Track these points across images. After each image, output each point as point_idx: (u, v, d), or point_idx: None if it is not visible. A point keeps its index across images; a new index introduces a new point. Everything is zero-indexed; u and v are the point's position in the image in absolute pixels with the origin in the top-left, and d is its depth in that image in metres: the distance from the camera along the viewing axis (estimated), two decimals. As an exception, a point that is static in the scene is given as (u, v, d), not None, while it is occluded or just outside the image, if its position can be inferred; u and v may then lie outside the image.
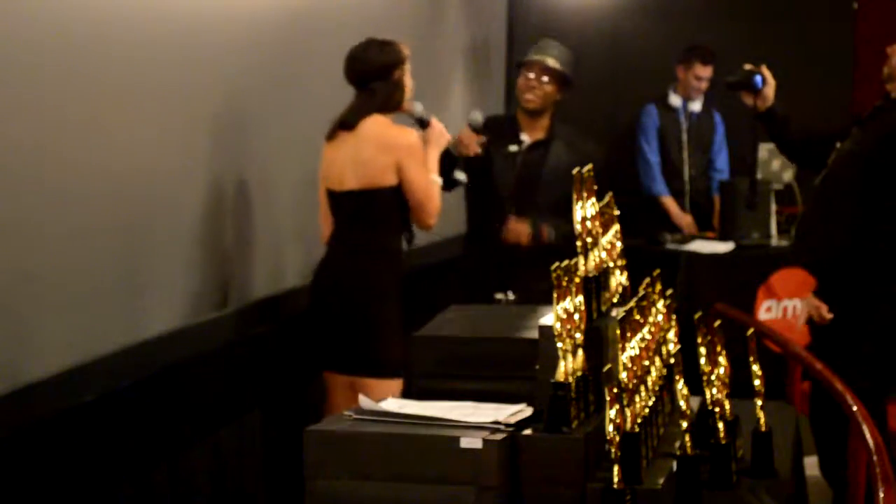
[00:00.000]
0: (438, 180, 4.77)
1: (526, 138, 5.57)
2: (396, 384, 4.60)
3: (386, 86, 4.73)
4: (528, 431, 2.79)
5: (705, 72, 7.68)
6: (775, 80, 5.36)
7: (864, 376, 4.83)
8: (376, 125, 4.71)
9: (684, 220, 7.70)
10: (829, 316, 4.96)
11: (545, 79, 5.64)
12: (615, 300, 3.28)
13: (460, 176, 5.21)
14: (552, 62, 5.64)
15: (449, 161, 5.18)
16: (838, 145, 5.05)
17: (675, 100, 7.79)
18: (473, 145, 5.26)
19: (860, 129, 5.02)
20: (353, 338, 4.68)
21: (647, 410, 2.91)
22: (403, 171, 4.68)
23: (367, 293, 4.70)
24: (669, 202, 7.73)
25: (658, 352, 3.17)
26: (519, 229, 5.46)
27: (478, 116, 5.33)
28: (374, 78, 4.72)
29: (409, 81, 4.79)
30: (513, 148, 5.50)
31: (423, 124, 4.85)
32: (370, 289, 4.70)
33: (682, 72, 7.75)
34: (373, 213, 4.72)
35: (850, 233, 4.90)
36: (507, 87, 8.26)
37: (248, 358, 4.66)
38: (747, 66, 5.33)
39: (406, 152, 4.69)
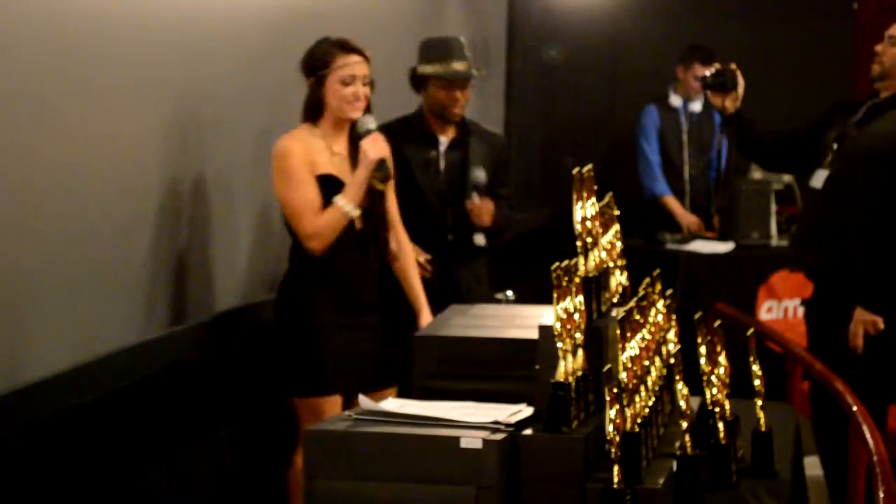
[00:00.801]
0: (346, 207, 4.29)
1: (442, 139, 5.23)
2: (332, 402, 4.31)
3: (308, 92, 4.37)
4: (528, 431, 2.79)
5: (705, 71, 7.68)
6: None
7: (868, 377, 4.84)
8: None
9: (688, 218, 7.69)
10: (882, 327, 4.92)
11: (468, 89, 5.23)
12: (615, 300, 3.28)
13: (480, 241, 5.16)
14: (473, 71, 5.20)
15: (466, 227, 5.14)
16: (835, 146, 5.04)
17: (675, 100, 7.80)
18: (487, 216, 5.16)
19: (860, 129, 5.01)
20: (279, 356, 4.42)
21: (647, 410, 2.91)
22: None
23: (282, 308, 4.42)
24: (672, 202, 7.73)
25: (658, 352, 3.17)
26: (485, 207, 5.19)
27: (479, 175, 5.20)
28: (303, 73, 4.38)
29: (339, 91, 4.28)
30: (433, 154, 5.19)
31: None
32: (284, 304, 4.41)
33: (682, 72, 7.75)
34: (287, 225, 4.38)
35: (873, 237, 4.90)
36: (507, 88, 8.26)
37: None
38: (732, 66, 5.34)
39: (274, 163, 4.31)
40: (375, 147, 4.31)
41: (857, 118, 5.05)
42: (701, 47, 7.72)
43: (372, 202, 4.37)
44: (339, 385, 4.31)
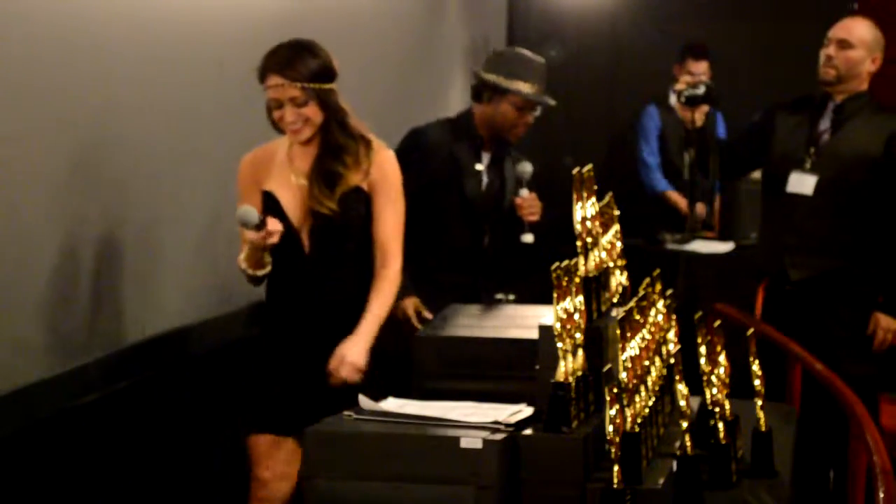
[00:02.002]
0: (242, 265, 3.86)
1: (485, 155, 4.96)
2: (261, 440, 3.89)
3: None
4: (528, 431, 2.79)
5: (697, 67, 7.68)
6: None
7: (864, 363, 4.90)
8: None
9: (696, 210, 7.70)
10: None
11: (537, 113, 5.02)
12: (615, 300, 3.28)
13: (528, 238, 4.87)
14: (550, 101, 4.97)
15: (513, 221, 4.88)
16: (812, 150, 5.06)
17: (674, 100, 7.79)
18: (537, 210, 4.88)
19: (833, 132, 5.03)
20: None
21: (647, 410, 2.91)
22: None
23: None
24: (674, 195, 7.73)
25: (658, 352, 3.17)
26: (535, 202, 4.93)
27: (526, 168, 4.92)
28: None
29: (272, 114, 3.85)
30: (479, 167, 4.90)
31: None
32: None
33: (678, 70, 7.76)
34: None
35: (882, 241, 4.95)
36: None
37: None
38: (706, 81, 5.35)
39: None
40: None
41: (824, 121, 5.08)
42: (692, 44, 7.73)
43: (326, 228, 3.85)
44: (263, 423, 3.88)
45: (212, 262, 4.45)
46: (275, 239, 3.71)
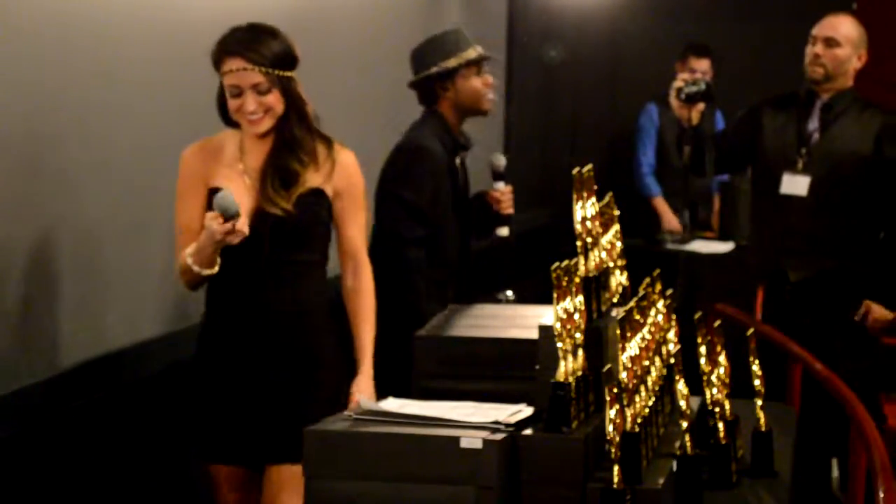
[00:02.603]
0: (191, 263, 3.49)
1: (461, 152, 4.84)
2: (218, 469, 3.64)
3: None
4: (528, 431, 2.79)
5: (699, 64, 7.69)
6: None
7: (864, 360, 4.91)
8: None
9: (671, 223, 7.71)
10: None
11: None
12: (615, 300, 3.28)
13: (504, 232, 4.75)
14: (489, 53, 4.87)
15: (487, 217, 4.76)
16: (803, 150, 5.06)
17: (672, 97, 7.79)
18: (511, 203, 4.75)
19: (822, 132, 5.04)
20: None
21: (647, 410, 2.91)
22: None
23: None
24: (661, 203, 7.75)
25: (658, 352, 3.17)
26: (511, 196, 4.79)
27: (501, 161, 4.80)
28: None
29: (229, 103, 3.54)
30: (458, 161, 4.76)
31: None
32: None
33: (681, 68, 7.76)
34: None
35: (879, 238, 4.97)
36: (507, 88, 8.26)
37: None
38: (705, 78, 5.35)
39: None
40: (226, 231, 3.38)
41: (813, 121, 5.08)
42: (695, 43, 7.75)
43: (280, 232, 3.53)
44: (217, 453, 3.60)
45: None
46: (236, 239, 3.37)
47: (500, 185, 4.79)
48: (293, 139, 3.55)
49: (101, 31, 3.73)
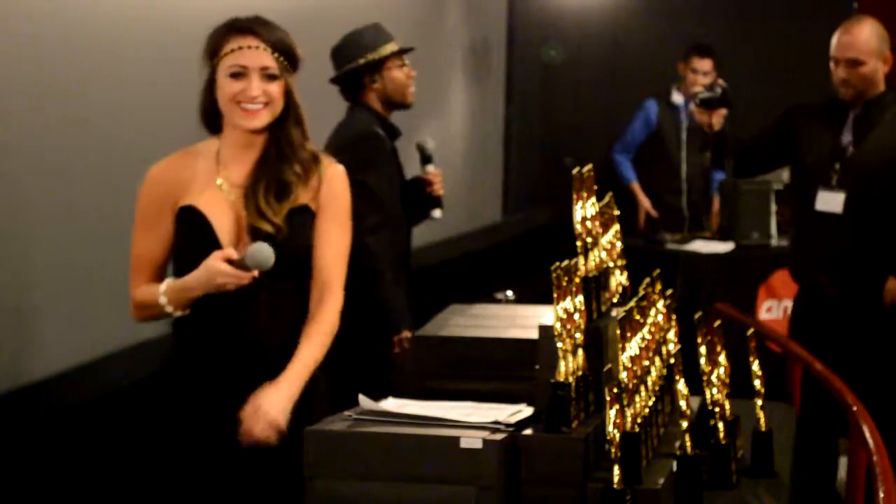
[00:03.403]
0: (164, 303, 3.11)
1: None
2: None
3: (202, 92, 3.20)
4: (528, 431, 2.79)
5: (702, 64, 7.69)
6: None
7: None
8: None
9: (647, 206, 7.75)
10: None
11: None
12: (615, 300, 3.28)
13: (437, 214, 4.82)
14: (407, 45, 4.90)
15: (421, 200, 4.78)
16: (837, 166, 5.03)
17: (677, 97, 7.80)
18: (440, 184, 4.80)
19: (857, 145, 4.99)
20: None
21: (647, 410, 2.91)
22: None
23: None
24: (635, 187, 7.79)
25: (658, 352, 3.17)
26: (441, 178, 4.88)
27: (430, 144, 4.85)
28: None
29: (225, 87, 3.12)
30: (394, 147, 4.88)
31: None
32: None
33: (683, 68, 7.77)
34: None
35: None
36: (507, 88, 8.26)
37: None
38: (720, 81, 5.31)
39: None
40: (227, 274, 3.03)
41: (846, 133, 5.04)
42: (699, 42, 7.75)
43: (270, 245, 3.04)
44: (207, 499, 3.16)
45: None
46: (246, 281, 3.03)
47: (431, 168, 4.84)
48: (290, 145, 3.15)
49: (99, 31, 3.74)
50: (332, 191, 3.20)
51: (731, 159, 5.33)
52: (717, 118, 5.21)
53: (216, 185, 3.12)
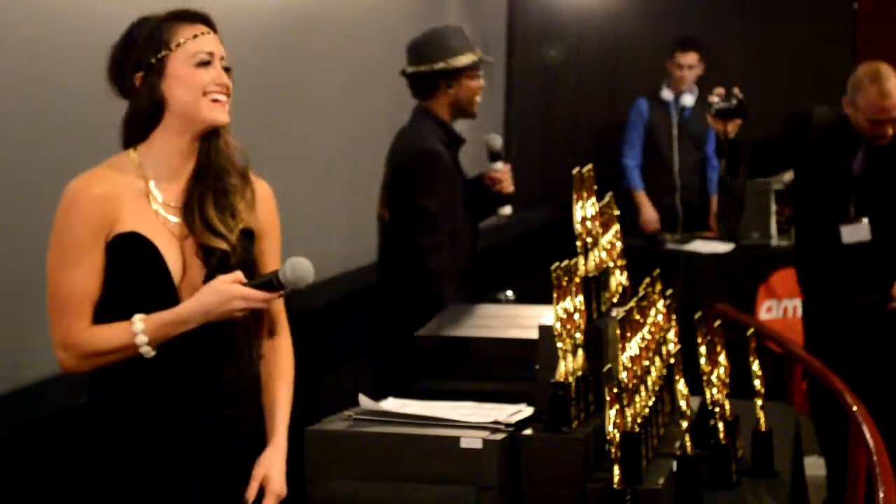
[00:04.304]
0: (141, 344, 2.63)
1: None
2: None
3: (127, 99, 2.74)
4: (528, 431, 2.79)
5: (685, 59, 7.68)
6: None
7: None
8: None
9: (648, 215, 7.72)
10: None
11: None
12: (615, 300, 3.28)
13: (507, 211, 4.74)
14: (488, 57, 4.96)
15: (488, 198, 4.68)
16: (853, 198, 5.01)
17: (666, 94, 7.79)
18: (509, 181, 4.71)
19: (878, 171, 4.97)
20: None
21: (647, 410, 2.91)
22: None
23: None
24: (641, 196, 7.77)
25: (658, 352, 3.17)
26: (510, 174, 4.82)
27: (497, 141, 4.74)
28: (115, 85, 2.77)
29: (193, 78, 2.71)
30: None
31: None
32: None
33: (669, 64, 7.77)
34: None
35: None
36: (507, 88, 8.26)
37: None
38: (736, 91, 5.30)
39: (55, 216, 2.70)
40: (237, 300, 2.66)
41: (858, 160, 5.01)
42: (681, 36, 7.73)
43: (224, 265, 2.70)
44: None
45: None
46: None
47: (499, 165, 4.77)
48: (226, 152, 2.76)
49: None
50: (269, 210, 2.87)
51: (745, 168, 5.33)
52: (733, 127, 5.20)
53: (149, 205, 2.69)
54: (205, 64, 2.71)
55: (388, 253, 4.63)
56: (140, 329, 2.63)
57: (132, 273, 2.67)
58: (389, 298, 4.60)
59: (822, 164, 5.06)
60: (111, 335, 2.65)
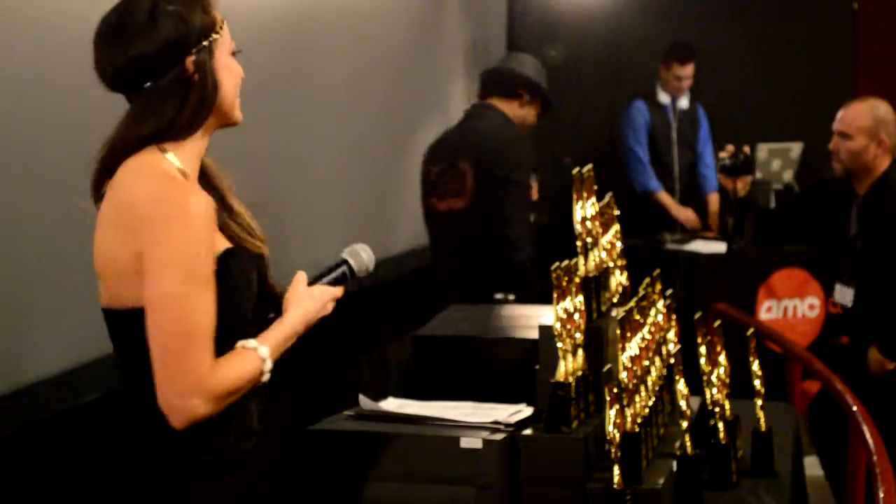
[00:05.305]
0: (268, 364, 2.36)
1: None
2: None
3: (169, 87, 2.36)
4: (528, 431, 2.79)
5: (684, 71, 7.68)
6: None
7: None
8: (130, 173, 2.35)
9: (684, 213, 7.69)
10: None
11: None
12: (615, 300, 3.28)
13: (529, 218, 5.11)
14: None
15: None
16: (847, 260, 5.02)
17: (663, 97, 7.79)
18: (535, 191, 5.16)
19: (865, 239, 4.98)
20: None
21: (647, 410, 2.91)
22: (144, 271, 2.27)
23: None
24: (665, 197, 7.73)
25: (658, 352, 3.17)
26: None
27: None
28: (144, 72, 2.37)
29: (231, 70, 2.45)
30: None
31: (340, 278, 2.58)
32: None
33: (664, 71, 7.76)
34: (136, 352, 2.33)
35: None
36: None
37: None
38: (745, 149, 5.31)
39: (155, 228, 2.27)
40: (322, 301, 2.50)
41: (853, 223, 5.02)
42: (679, 46, 7.72)
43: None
44: None
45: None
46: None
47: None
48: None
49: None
50: None
51: (750, 225, 5.36)
52: (742, 184, 5.22)
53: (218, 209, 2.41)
54: (235, 54, 2.48)
55: (468, 232, 4.98)
56: (267, 354, 2.35)
57: (238, 295, 2.37)
58: (469, 270, 4.99)
59: (823, 225, 5.13)
60: (240, 367, 2.31)
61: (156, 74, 2.36)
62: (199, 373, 2.24)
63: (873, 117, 4.97)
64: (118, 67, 2.36)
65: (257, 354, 2.34)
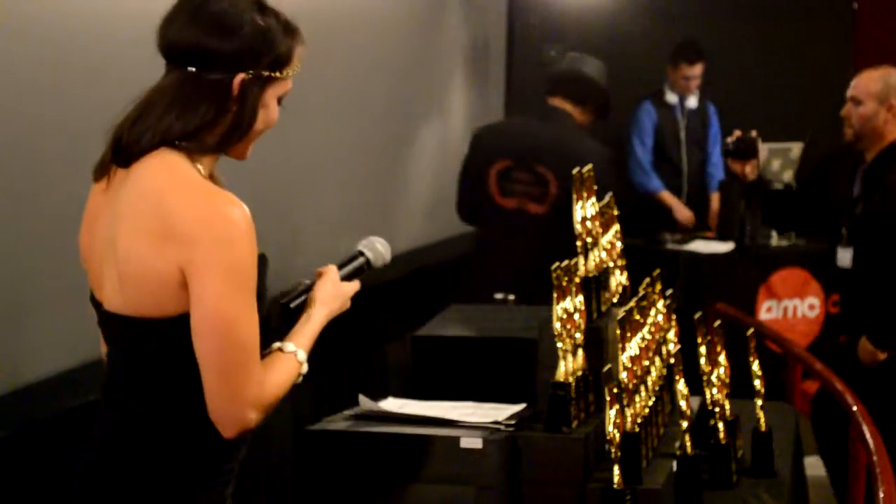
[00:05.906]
0: (304, 363, 2.42)
1: None
2: None
3: (210, 88, 2.31)
4: (528, 431, 2.79)
5: (692, 71, 7.69)
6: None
7: None
8: (161, 177, 2.29)
9: (684, 213, 7.69)
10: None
11: None
12: (615, 300, 3.27)
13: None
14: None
15: None
16: (847, 223, 5.02)
17: (671, 97, 7.79)
18: None
19: (865, 204, 4.96)
20: None
21: (647, 410, 2.91)
22: (192, 285, 2.25)
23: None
24: (668, 196, 7.73)
25: (658, 352, 3.17)
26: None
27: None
28: (201, 58, 2.31)
29: (273, 112, 2.37)
30: None
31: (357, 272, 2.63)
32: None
33: (671, 71, 7.76)
34: (164, 362, 2.34)
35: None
36: (507, 88, 8.26)
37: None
38: (753, 133, 5.31)
39: (206, 247, 2.24)
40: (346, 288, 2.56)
41: (856, 187, 5.03)
42: (686, 46, 7.73)
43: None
44: None
45: None
46: None
47: None
48: None
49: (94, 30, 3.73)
50: None
51: (760, 210, 5.36)
52: (751, 168, 5.24)
53: None
54: (279, 101, 2.39)
55: (541, 237, 4.99)
56: (304, 358, 2.40)
57: (261, 296, 2.35)
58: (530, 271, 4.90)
59: (830, 190, 5.11)
60: (285, 372, 2.36)
61: (208, 67, 2.29)
62: (257, 384, 2.27)
63: (885, 83, 5.00)
64: (184, 40, 2.30)
65: (296, 358, 2.38)
